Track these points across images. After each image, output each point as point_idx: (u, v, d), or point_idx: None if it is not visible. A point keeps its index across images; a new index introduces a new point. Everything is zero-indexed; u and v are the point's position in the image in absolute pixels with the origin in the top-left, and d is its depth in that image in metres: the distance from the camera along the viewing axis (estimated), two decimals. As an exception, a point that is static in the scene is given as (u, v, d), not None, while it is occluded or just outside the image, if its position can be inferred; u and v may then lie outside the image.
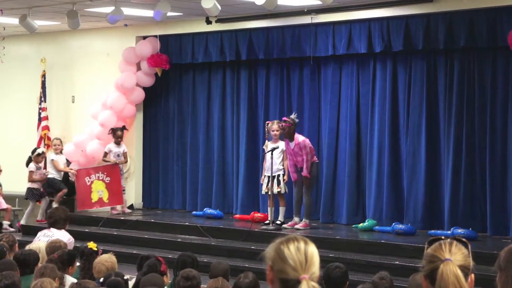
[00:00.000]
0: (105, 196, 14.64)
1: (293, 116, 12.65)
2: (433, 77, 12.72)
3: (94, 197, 14.67)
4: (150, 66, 15.20)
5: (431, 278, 3.07)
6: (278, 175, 12.83)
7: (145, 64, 15.25)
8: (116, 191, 14.67)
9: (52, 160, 15.01)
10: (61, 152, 15.16)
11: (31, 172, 14.91)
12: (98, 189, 14.63)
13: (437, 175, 12.67)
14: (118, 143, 14.83)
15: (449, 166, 12.38)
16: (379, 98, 13.22)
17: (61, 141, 15.21)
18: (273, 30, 14.08)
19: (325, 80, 13.92)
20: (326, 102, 13.89)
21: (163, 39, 15.33)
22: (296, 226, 12.62)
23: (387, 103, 13.09)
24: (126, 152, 14.89)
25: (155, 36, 15.32)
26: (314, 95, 14.05)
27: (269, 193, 12.76)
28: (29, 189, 14.98)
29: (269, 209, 12.87)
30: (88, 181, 14.69)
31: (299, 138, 12.52)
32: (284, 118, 12.55)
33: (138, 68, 15.45)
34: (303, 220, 12.67)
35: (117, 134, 14.78)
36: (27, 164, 15.00)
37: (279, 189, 12.81)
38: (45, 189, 14.92)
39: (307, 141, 12.57)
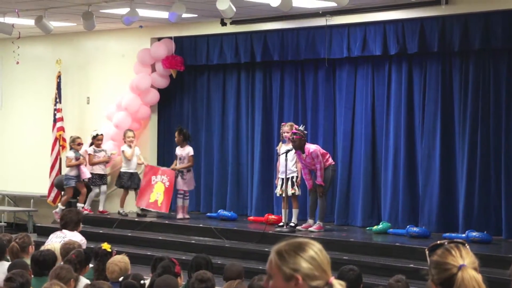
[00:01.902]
0: (160, 199, 14.38)
1: (302, 128, 12.60)
2: (448, 79, 12.68)
3: (152, 198, 14.47)
4: (165, 67, 15.23)
5: (446, 285, 3.05)
6: (292, 177, 12.81)
7: (160, 65, 15.27)
8: (168, 197, 14.35)
9: (123, 151, 14.79)
10: (130, 145, 14.74)
11: (90, 156, 14.86)
12: (158, 191, 14.42)
13: (452, 177, 12.62)
14: (180, 145, 14.20)
15: (464, 168, 12.33)
16: (394, 101, 13.19)
17: (134, 134, 14.88)
18: (288, 32, 14.07)
19: (340, 82, 13.90)
20: (341, 104, 13.86)
21: (178, 40, 15.35)
22: (310, 229, 12.60)
23: (402, 106, 13.06)
24: (191, 155, 14.18)
25: (170, 37, 15.34)
26: (329, 97, 14.03)
27: (283, 195, 12.75)
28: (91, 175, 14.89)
29: (283, 211, 12.86)
30: (154, 180, 14.46)
31: (310, 148, 12.44)
32: (294, 131, 12.48)
33: (153, 69, 15.48)
34: (317, 222, 12.64)
35: (184, 132, 14.16)
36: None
37: (293, 191, 12.79)
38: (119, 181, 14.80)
39: (318, 149, 12.49)
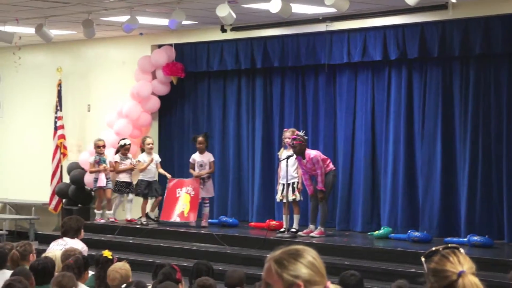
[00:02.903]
0: (187, 210, 14.13)
1: (302, 133, 12.59)
2: (448, 84, 12.68)
3: (178, 209, 14.21)
4: (165, 74, 15.24)
5: None
6: (293, 183, 12.80)
7: (161, 72, 15.29)
8: (194, 206, 14.13)
9: (138, 161, 14.55)
10: (150, 152, 14.52)
11: (116, 163, 14.72)
12: (184, 202, 14.18)
13: (453, 182, 12.62)
14: (200, 151, 14.10)
15: (465, 173, 12.33)
16: (394, 106, 13.19)
17: (152, 140, 14.66)
18: (288, 38, 14.08)
19: (341, 87, 13.91)
20: (342, 109, 13.87)
21: (178, 47, 15.37)
22: (312, 234, 12.59)
23: (402, 111, 13.07)
24: (212, 161, 14.15)
25: (170, 44, 15.36)
26: (329, 102, 14.04)
27: (284, 200, 12.75)
28: (116, 182, 14.77)
29: (284, 216, 12.85)
30: (178, 193, 14.19)
31: (311, 154, 12.43)
32: (294, 136, 12.47)
33: (154, 76, 15.49)
34: (319, 227, 12.64)
35: (197, 140, 13.99)
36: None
37: (294, 197, 12.78)
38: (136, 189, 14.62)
39: (318, 155, 12.49)
